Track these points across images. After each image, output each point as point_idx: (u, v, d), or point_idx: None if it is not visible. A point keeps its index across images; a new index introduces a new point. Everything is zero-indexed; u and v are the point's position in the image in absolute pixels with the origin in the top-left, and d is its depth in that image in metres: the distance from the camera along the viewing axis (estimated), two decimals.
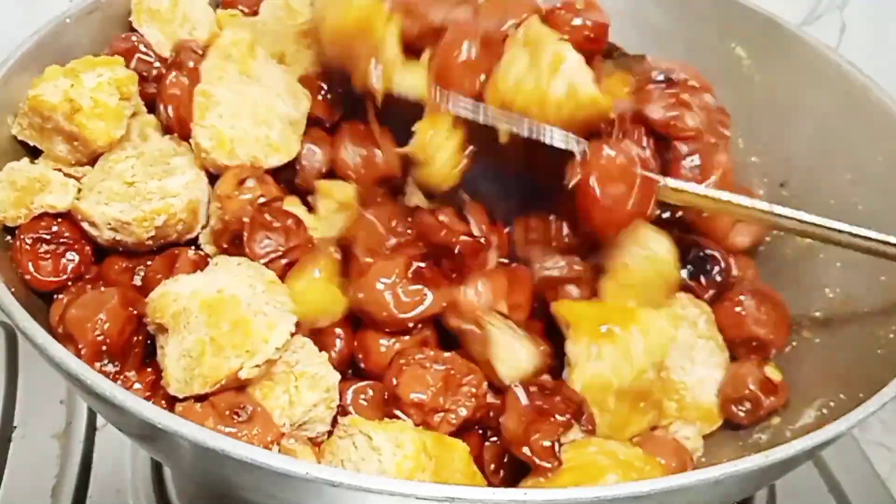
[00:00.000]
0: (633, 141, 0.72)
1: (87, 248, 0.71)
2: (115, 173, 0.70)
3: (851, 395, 0.64)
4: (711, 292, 0.78)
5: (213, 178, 0.73)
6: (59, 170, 0.71)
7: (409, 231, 0.71)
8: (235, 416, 0.59)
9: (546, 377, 0.68)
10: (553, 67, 0.67)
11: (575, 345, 0.66)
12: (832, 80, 0.84)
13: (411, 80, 0.70)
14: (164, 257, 0.70)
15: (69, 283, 0.70)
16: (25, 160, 0.71)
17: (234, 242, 0.68)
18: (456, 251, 0.67)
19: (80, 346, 0.62)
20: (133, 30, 0.83)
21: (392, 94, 0.71)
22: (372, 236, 0.71)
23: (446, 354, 0.67)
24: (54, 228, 0.69)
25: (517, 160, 0.70)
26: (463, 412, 0.65)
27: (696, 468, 0.69)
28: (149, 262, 0.71)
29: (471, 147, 0.70)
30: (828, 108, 0.84)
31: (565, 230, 0.73)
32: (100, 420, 0.90)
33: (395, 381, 0.65)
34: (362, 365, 0.70)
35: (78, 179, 0.71)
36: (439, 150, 0.69)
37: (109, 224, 0.69)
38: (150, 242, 0.70)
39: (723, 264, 0.78)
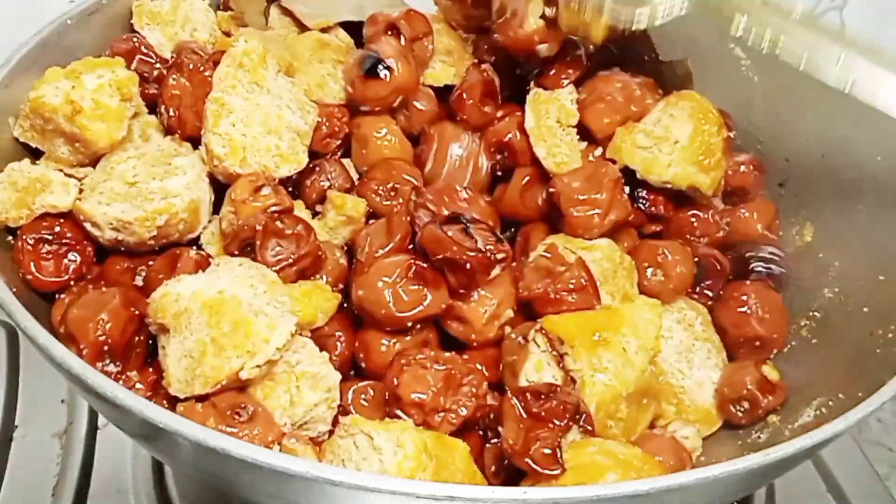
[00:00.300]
0: None
1: (89, 248, 0.71)
2: (117, 174, 0.70)
3: (850, 394, 0.64)
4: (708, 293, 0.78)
5: (216, 185, 0.74)
6: (61, 170, 0.71)
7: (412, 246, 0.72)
8: (236, 416, 0.60)
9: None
10: None
11: (576, 361, 0.65)
12: None
13: None
14: (166, 257, 0.70)
15: (71, 284, 0.70)
16: (26, 161, 0.72)
17: (244, 249, 0.69)
18: (467, 267, 0.67)
19: (81, 347, 0.63)
20: (134, 31, 0.83)
21: None
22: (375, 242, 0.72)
23: (447, 354, 0.67)
24: (56, 229, 0.70)
25: None
26: (463, 412, 0.65)
27: (694, 467, 0.69)
28: (150, 263, 0.71)
29: None
30: (828, 108, 0.84)
31: None
32: (101, 420, 0.90)
33: (395, 381, 0.65)
34: (363, 365, 0.71)
35: (79, 180, 0.71)
36: None
37: (111, 224, 0.69)
38: (152, 242, 0.70)
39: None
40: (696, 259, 0.77)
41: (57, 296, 0.69)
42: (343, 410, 0.66)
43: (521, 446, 0.60)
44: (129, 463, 0.86)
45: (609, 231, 0.76)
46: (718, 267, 0.78)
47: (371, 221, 0.76)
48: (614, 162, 0.78)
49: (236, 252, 0.69)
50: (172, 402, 0.61)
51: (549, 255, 0.73)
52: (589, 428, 0.63)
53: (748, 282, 0.79)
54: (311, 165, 0.77)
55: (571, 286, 0.70)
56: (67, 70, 0.71)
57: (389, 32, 0.81)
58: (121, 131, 0.71)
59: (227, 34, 0.86)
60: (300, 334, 0.65)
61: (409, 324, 0.69)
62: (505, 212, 0.80)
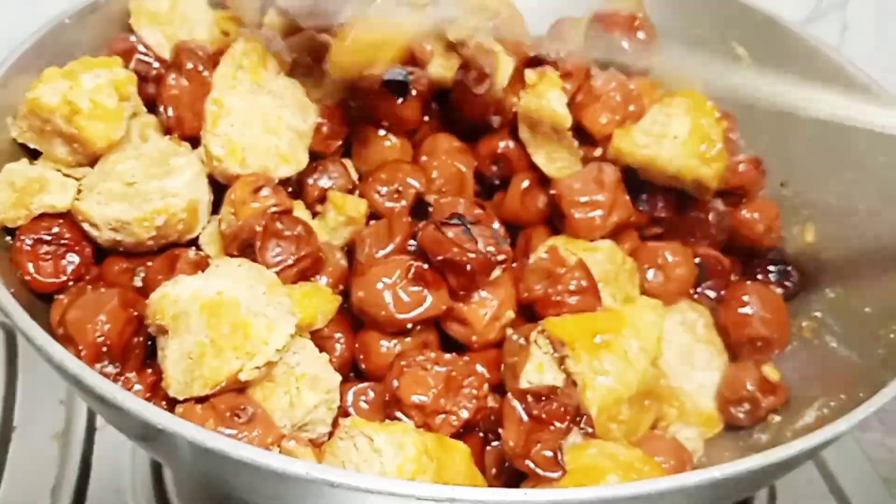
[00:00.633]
0: None
1: (88, 248, 0.71)
2: (116, 174, 0.70)
3: (852, 394, 0.64)
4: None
5: (216, 185, 0.73)
6: (59, 170, 0.71)
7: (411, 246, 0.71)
8: (236, 418, 0.59)
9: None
10: None
11: (577, 364, 0.65)
12: (833, 80, 0.84)
13: None
14: (165, 258, 0.70)
15: (69, 284, 0.70)
16: (24, 161, 0.71)
17: (244, 251, 0.68)
18: (468, 268, 0.67)
19: (80, 348, 0.62)
20: (132, 30, 0.83)
21: None
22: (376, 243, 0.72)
23: (447, 356, 0.67)
24: (54, 229, 0.69)
25: None
26: (464, 414, 0.65)
27: (695, 468, 0.69)
28: (149, 263, 0.71)
29: None
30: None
31: None
32: (99, 420, 0.90)
33: (396, 383, 0.65)
34: (363, 366, 0.70)
35: (77, 180, 0.71)
36: None
37: (110, 224, 0.68)
38: (151, 243, 0.70)
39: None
40: (698, 260, 0.77)
41: (55, 296, 0.69)
42: (343, 412, 0.66)
43: (522, 448, 0.60)
44: (128, 464, 0.86)
45: (611, 232, 0.76)
46: (720, 268, 0.78)
47: (371, 222, 0.76)
48: (615, 163, 0.78)
49: (236, 253, 0.69)
50: (171, 404, 0.61)
51: (549, 257, 0.72)
52: (590, 430, 0.63)
53: (749, 282, 0.79)
54: (312, 165, 0.77)
55: (572, 288, 0.70)
56: (65, 70, 0.71)
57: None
58: (119, 131, 0.71)
59: (226, 34, 0.86)
60: (300, 335, 0.65)
61: (410, 325, 0.69)
62: (506, 217, 0.80)
